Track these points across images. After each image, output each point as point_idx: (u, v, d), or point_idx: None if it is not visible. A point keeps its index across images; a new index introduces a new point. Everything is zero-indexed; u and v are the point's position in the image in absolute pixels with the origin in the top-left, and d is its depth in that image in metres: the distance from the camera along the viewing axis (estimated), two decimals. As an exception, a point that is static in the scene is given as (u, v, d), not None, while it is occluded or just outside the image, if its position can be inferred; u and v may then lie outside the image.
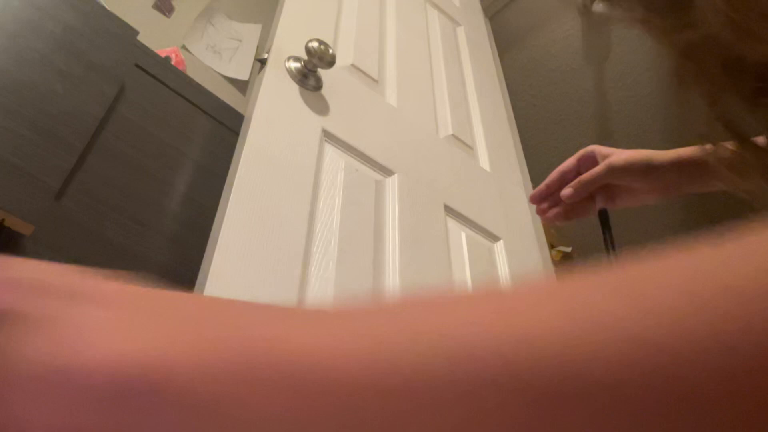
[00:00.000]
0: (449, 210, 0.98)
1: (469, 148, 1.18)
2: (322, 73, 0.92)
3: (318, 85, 0.90)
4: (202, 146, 0.96)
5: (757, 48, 0.24)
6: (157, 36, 1.41)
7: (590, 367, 0.13)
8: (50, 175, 0.58)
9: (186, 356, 0.17)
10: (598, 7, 1.98)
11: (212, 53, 1.53)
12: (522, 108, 2.41)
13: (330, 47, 0.84)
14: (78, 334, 0.18)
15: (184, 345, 0.17)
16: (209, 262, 0.60)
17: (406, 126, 1.04)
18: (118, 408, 0.16)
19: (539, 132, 2.46)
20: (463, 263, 0.93)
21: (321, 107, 0.88)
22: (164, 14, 1.49)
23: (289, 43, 0.92)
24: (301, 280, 0.67)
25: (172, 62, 1.30)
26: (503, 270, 1.00)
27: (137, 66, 0.91)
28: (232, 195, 0.66)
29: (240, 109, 1.07)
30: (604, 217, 0.64)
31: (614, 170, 0.63)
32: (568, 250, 2.50)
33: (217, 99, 1.03)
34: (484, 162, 1.19)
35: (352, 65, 1.02)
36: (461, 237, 0.97)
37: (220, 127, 1.01)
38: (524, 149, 1.48)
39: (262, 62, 0.87)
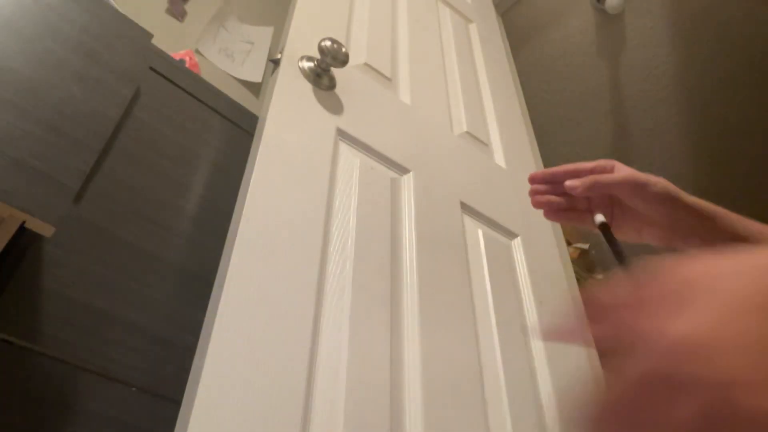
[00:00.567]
0: (465, 207, 0.97)
1: (484, 144, 1.17)
2: (336, 72, 0.92)
3: (331, 85, 0.90)
4: (218, 147, 0.96)
5: None
6: (171, 40, 1.42)
7: None
8: (69, 177, 0.58)
9: None
10: (612, 1, 1.96)
11: (225, 56, 1.54)
12: (536, 104, 2.39)
13: (343, 46, 0.84)
14: None
15: None
16: (227, 263, 0.60)
17: (421, 124, 1.03)
18: None
19: (554, 128, 2.43)
20: (481, 261, 0.92)
21: (335, 106, 0.88)
22: (177, 19, 1.50)
23: (302, 43, 0.91)
24: (319, 278, 0.66)
25: (186, 65, 1.31)
26: (521, 267, 0.99)
27: (152, 69, 0.92)
28: (248, 195, 0.66)
29: (254, 112, 1.07)
30: (606, 230, 0.58)
31: (636, 183, 0.57)
32: (586, 246, 2.47)
33: (231, 100, 1.03)
34: (500, 159, 1.18)
35: (365, 64, 1.02)
36: (478, 234, 0.96)
37: (234, 129, 1.01)
38: (539, 145, 1.47)
39: (276, 62, 0.87)
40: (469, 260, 0.90)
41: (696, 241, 0.56)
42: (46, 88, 0.63)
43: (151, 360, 0.71)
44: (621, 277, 0.23)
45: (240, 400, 0.52)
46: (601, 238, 0.58)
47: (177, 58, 1.32)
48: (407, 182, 0.90)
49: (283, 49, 0.88)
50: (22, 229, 0.56)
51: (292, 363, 0.57)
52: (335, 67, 0.86)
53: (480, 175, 1.07)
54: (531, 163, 1.29)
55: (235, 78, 1.52)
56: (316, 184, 0.75)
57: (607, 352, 0.21)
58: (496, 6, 1.91)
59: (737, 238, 0.51)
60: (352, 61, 1.01)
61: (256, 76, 1.57)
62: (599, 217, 0.60)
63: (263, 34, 1.70)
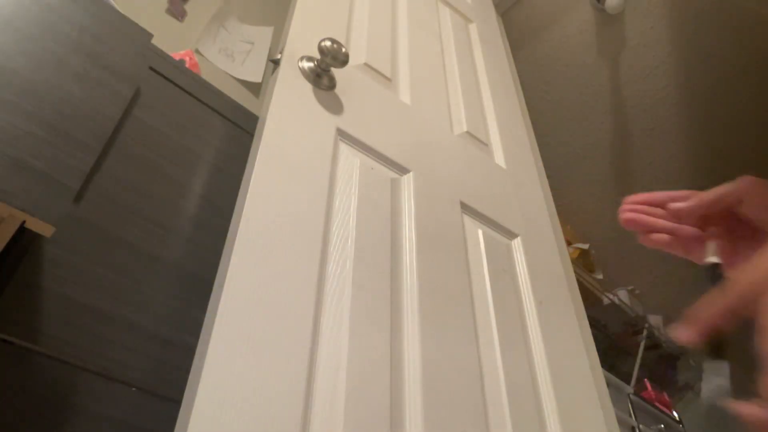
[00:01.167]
0: (465, 207, 0.97)
1: (484, 144, 1.17)
2: (336, 72, 0.92)
3: (331, 85, 0.90)
4: (218, 147, 0.96)
5: None
6: (171, 40, 1.42)
7: None
8: (69, 176, 0.58)
9: None
10: (612, 1, 1.96)
11: (225, 56, 1.54)
12: (536, 104, 2.39)
13: (343, 46, 0.84)
14: None
15: None
16: (227, 263, 0.60)
17: (421, 124, 1.03)
18: None
19: (554, 128, 2.44)
20: (481, 261, 0.92)
21: (335, 106, 0.88)
22: (177, 19, 1.50)
23: (302, 43, 0.92)
24: (319, 277, 0.66)
25: (186, 65, 1.31)
26: (521, 267, 0.99)
27: (152, 69, 0.92)
28: (248, 195, 0.66)
29: (254, 112, 1.07)
30: (714, 273, 0.47)
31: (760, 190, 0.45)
32: (586, 246, 2.47)
33: (231, 100, 1.03)
34: (500, 159, 1.18)
35: (365, 64, 1.02)
36: (478, 234, 0.96)
37: (234, 129, 1.01)
38: (539, 145, 1.47)
39: (276, 62, 0.87)
40: (469, 260, 0.90)
41: None
42: (46, 88, 0.63)
43: (151, 360, 0.71)
44: None
45: (240, 400, 0.52)
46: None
47: (177, 58, 1.32)
48: (407, 182, 0.90)
49: (283, 49, 0.88)
50: (22, 229, 0.56)
51: (292, 363, 0.57)
52: (335, 67, 0.86)
53: (480, 175, 1.07)
54: (531, 163, 1.29)
55: (235, 78, 1.52)
56: (316, 184, 0.75)
57: None
58: (496, 6, 1.91)
59: None
60: (352, 61, 1.01)
61: (256, 76, 1.57)
62: (712, 256, 0.48)
63: (263, 34, 1.70)
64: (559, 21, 2.20)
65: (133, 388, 0.68)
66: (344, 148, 0.85)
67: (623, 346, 2.49)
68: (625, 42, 2.10)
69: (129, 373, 0.68)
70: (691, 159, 2.25)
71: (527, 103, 1.59)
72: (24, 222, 0.54)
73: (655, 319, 2.68)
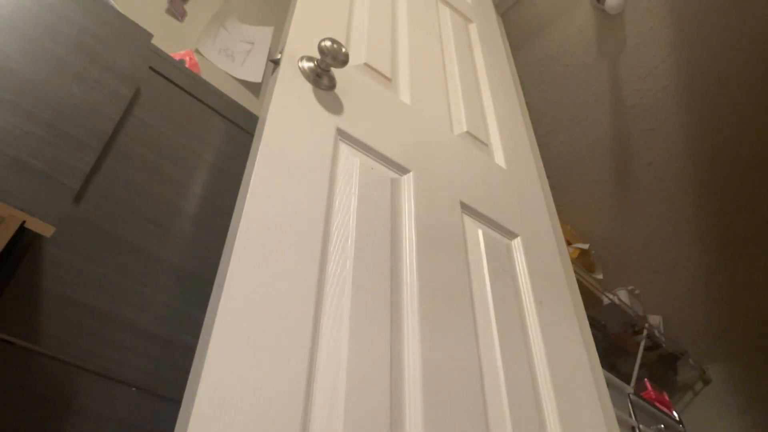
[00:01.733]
0: (465, 207, 0.97)
1: (484, 145, 1.17)
2: (336, 72, 0.92)
3: (331, 85, 0.90)
4: (218, 148, 0.96)
5: None
6: (171, 40, 1.42)
7: None
8: (69, 176, 0.58)
9: None
10: (612, 1, 1.96)
11: (225, 56, 1.54)
12: (536, 104, 2.39)
13: (343, 46, 0.84)
14: None
15: None
16: (227, 263, 0.60)
17: (421, 124, 1.03)
18: None
19: (554, 128, 2.44)
20: (481, 261, 0.92)
21: (335, 106, 0.88)
22: (177, 19, 1.50)
23: (302, 43, 0.92)
24: (319, 278, 0.66)
25: (186, 65, 1.31)
26: (521, 267, 0.99)
27: (152, 69, 0.92)
28: (248, 195, 0.66)
29: (254, 112, 1.07)
30: None
31: None
32: (586, 246, 2.47)
33: (231, 100, 1.03)
34: (500, 159, 1.18)
35: (365, 64, 1.02)
36: (478, 234, 0.96)
37: (234, 129, 1.01)
38: (539, 145, 1.47)
39: (276, 63, 0.87)
40: (469, 260, 0.90)
41: None
42: (46, 88, 0.63)
43: (151, 360, 0.71)
44: None
45: (240, 400, 0.52)
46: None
47: (177, 58, 1.32)
48: (407, 182, 0.90)
49: (283, 49, 0.88)
50: (22, 229, 0.56)
51: (292, 363, 0.57)
52: (335, 67, 0.86)
53: (480, 175, 1.07)
54: (531, 163, 1.29)
55: (235, 78, 1.52)
56: (316, 184, 0.75)
57: None
58: (496, 6, 1.91)
59: None
60: (352, 61, 1.01)
61: (256, 76, 1.57)
62: None
63: (263, 34, 1.70)
64: (559, 21, 2.20)
65: (133, 388, 0.68)
66: (344, 148, 0.85)
67: (623, 346, 2.50)
68: (625, 42, 2.10)
69: (129, 373, 0.68)
70: (691, 159, 2.25)
71: (527, 103, 1.59)
72: (24, 222, 0.54)
73: (655, 319, 2.68)
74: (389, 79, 1.06)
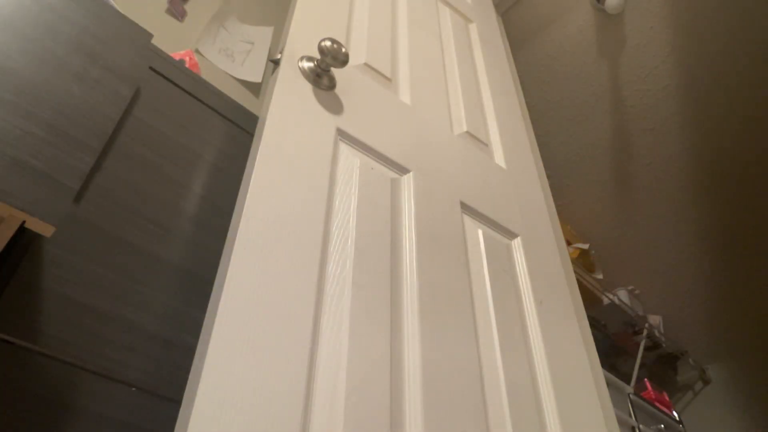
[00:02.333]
0: (465, 207, 0.97)
1: (484, 144, 1.17)
2: (336, 72, 0.92)
3: (331, 85, 0.90)
4: (218, 148, 0.96)
5: None
6: (171, 40, 1.42)
7: None
8: (69, 176, 0.58)
9: None
10: (612, 1, 1.96)
11: (225, 56, 1.54)
12: (536, 104, 2.39)
13: (343, 46, 0.84)
14: None
15: None
16: (227, 263, 0.60)
17: (421, 124, 1.03)
18: None
19: (554, 128, 2.44)
20: (481, 261, 0.92)
21: (335, 106, 0.88)
22: (177, 19, 1.50)
23: (302, 43, 0.92)
24: (319, 278, 0.66)
25: (186, 65, 1.31)
26: (521, 267, 0.99)
27: (152, 69, 0.92)
28: (248, 195, 0.66)
29: (254, 112, 1.07)
30: None
31: None
32: (586, 246, 2.47)
33: (231, 100, 1.03)
34: (500, 159, 1.18)
35: (365, 64, 1.02)
36: (478, 234, 0.96)
37: (234, 129, 1.01)
38: (539, 145, 1.47)
39: (276, 62, 0.87)
40: (469, 260, 0.90)
41: None
42: (46, 88, 0.63)
43: (151, 360, 0.71)
44: None
45: (240, 400, 0.52)
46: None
47: (177, 58, 1.32)
48: (407, 182, 0.90)
49: (283, 49, 0.88)
50: (22, 229, 0.56)
51: (292, 363, 0.57)
52: (335, 67, 0.86)
53: (480, 175, 1.07)
54: (531, 163, 1.29)
55: (235, 78, 1.52)
56: (316, 184, 0.75)
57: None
58: (496, 6, 1.91)
59: None
60: (352, 61, 1.01)
61: (256, 76, 1.57)
62: None
63: (263, 34, 1.70)
64: (559, 21, 2.20)
65: (133, 388, 0.68)
66: (344, 148, 0.85)
67: (623, 346, 2.50)
68: (625, 42, 2.10)
69: (129, 373, 0.68)
70: (691, 159, 2.25)
71: (527, 103, 1.59)
72: (24, 222, 0.54)
73: (655, 319, 2.68)
74: (389, 79, 1.06)
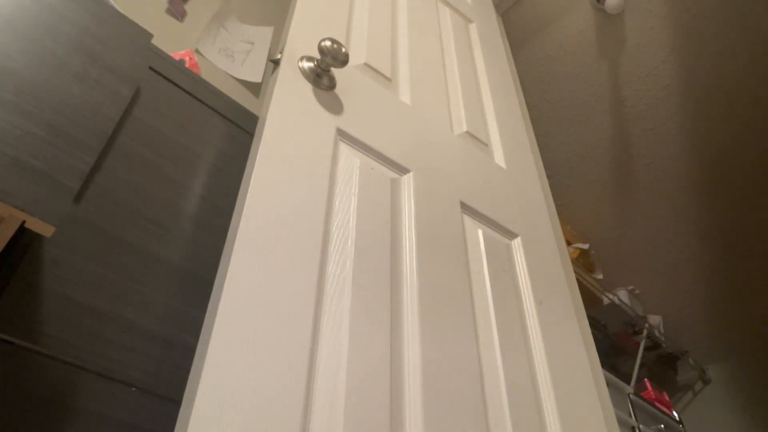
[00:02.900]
0: (465, 207, 0.97)
1: (484, 145, 1.17)
2: (336, 72, 0.92)
3: (331, 85, 0.90)
4: (218, 148, 0.96)
5: None
6: (171, 40, 1.42)
7: None
8: (69, 176, 0.58)
9: None
10: (612, 1, 1.96)
11: (225, 56, 1.54)
12: (536, 104, 2.39)
13: (343, 46, 0.84)
14: None
15: None
16: (227, 263, 0.60)
17: (421, 124, 1.03)
18: None
19: (554, 128, 2.44)
20: (481, 261, 0.92)
21: (335, 106, 0.88)
22: (177, 19, 1.50)
23: (302, 43, 0.92)
24: (319, 278, 0.66)
25: (186, 65, 1.31)
26: (521, 267, 0.99)
27: (152, 69, 0.92)
28: (248, 195, 0.66)
29: (254, 112, 1.07)
30: None
31: None
32: (586, 246, 2.47)
33: (231, 101, 1.03)
34: (500, 159, 1.18)
35: (365, 64, 1.02)
36: (478, 234, 0.96)
37: (234, 129, 1.01)
38: (539, 145, 1.47)
39: (276, 62, 0.87)
40: (469, 260, 0.90)
41: None
42: (46, 88, 0.63)
43: (151, 360, 0.71)
44: None
45: (240, 400, 0.52)
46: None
47: (177, 58, 1.32)
48: (407, 182, 0.90)
49: (283, 49, 0.88)
50: (22, 229, 0.56)
51: (292, 363, 0.57)
52: (335, 67, 0.86)
53: (480, 175, 1.07)
54: (531, 163, 1.29)
55: (235, 78, 1.52)
56: (316, 184, 0.75)
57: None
58: (496, 6, 1.91)
59: None
60: (352, 61, 1.01)
61: (256, 76, 1.57)
62: None
63: (263, 34, 1.70)
64: (559, 21, 2.20)
65: (133, 388, 0.68)
66: (344, 148, 0.85)
67: (623, 346, 2.50)
68: (625, 42, 2.10)
69: (129, 373, 0.68)
70: (691, 159, 2.25)
71: (527, 103, 1.59)
72: (24, 222, 0.54)
73: (655, 319, 2.68)
74: (389, 79, 1.06)
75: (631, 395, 2.13)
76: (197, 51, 1.47)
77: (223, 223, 0.89)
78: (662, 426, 2.20)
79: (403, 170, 0.91)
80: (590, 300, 2.45)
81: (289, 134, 0.77)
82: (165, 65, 0.95)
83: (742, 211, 2.26)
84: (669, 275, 2.59)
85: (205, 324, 0.57)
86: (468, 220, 0.97)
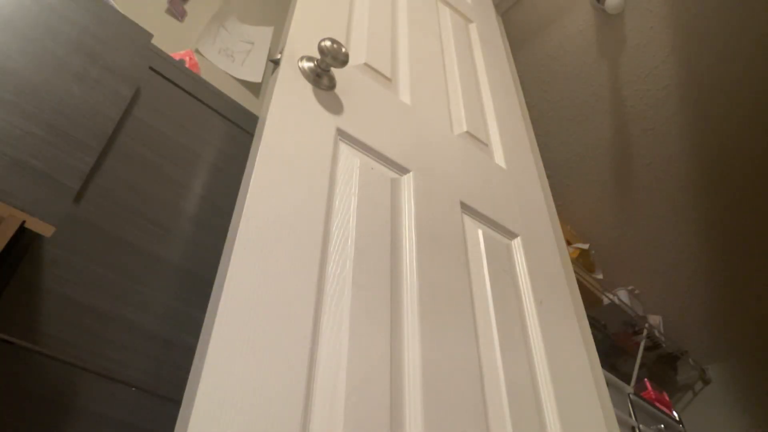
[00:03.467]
0: (465, 207, 0.97)
1: (484, 144, 1.17)
2: (336, 72, 0.92)
3: (331, 85, 0.90)
4: (218, 148, 0.96)
5: None
6: (171, 40, 1.42)
7: None
8: (69, 177, 0.58)
9: None
10: (612, 1, 1.96)
11: (225, 56, 1.54)
12: (536, 104, 2.39)
13: (343, 46, 0.84)
14: None
15: None
16: (227, 263, 0.60)
17: (421, 124, 1.03)
18: None
19: (554, 128, 2.44)
20: (481, 261, 0.92)
21: (335, 106, 0.88)
22: (177, 19, 1.50)
23: (302, 43, 0.92)
24: (319, 278, 0.66)
25: (186, 65, 1.31)
26: (521, 267, 0.99)
27: (152, 69, 0.92)
28: (248, 195, 0.66)
29: (254, 112, 1.07)
30: None
31: None
32: (586, 246, 2.47)
33: (231, 101, 1.03)
34: (500, 159, 1.18)
35: (365, 64, 1.02)
36: (478, 234, 0.96)
37: (234, 129, 1.01)
38: (539, 145, 1.47)
39: (276, 63, 0.87)
40: (469, 260, 0.90)
41: None
42: (46, 88, 0.63)
43: (151, 360, 0.71)
44: None
45: (240, 400, 0.52)
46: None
47: (177, 58, 1.32)
48: (407, 182, 0.90)
49: (283, 49, 0.88)
50: (22, 229, 0.56)
51: (292, 363, 0.57)
52: (335, 67, 0.86)
53: (480, 175, 1.07)
54: (531, 163, 1.29)
55: (235, 78, 1.52)
56: (316, 184, 0.75)
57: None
58: (496, 6, 1.91)
59: None
60: (352, 61, 1.01)
61: (256, 76, 1.57)
62: None
63: (263, 34, 1.70)
64: (559, 21, 2.20)
65: (133, 388, 0.68)
66: (344, 148, 0.85)
67: (623, 346, 2.50)
68: (625, 42, 2.10)
69: (129, 373, 0.68)
70: (691, 159, 2.25)
71: (527, 103, 1.59)
72: (24, 222, 0.54)
73: (655, 319, 2.68)
74: (389, 79, 1.06)
75: (631, 395, 2.13)
76: (197, 51, 1.47)
77: (223, 223, 0.89)
78: (662, 426, 2.20)
79: (403, 170, 0.91)
80: (590, 300, 2.45)
81: (289, 134, 0.77)
82: (165, 65, 0.95)
83: (742, 211, 2.26)
84: (669, 275, 2.59)
85: (205, 324, 0.57)
86: (468, 220, 0.97)
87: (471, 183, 1.03)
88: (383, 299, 0.72)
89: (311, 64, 0.88)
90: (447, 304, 0.79)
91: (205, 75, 1.44)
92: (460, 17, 1.50)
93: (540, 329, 0.92)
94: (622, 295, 2.62)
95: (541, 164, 1.39)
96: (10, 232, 0.56)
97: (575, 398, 0.87)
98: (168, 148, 0.88)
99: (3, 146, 0.56)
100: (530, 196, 1.18)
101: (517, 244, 1.03)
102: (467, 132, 1.13)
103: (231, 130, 1.00)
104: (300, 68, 0.87)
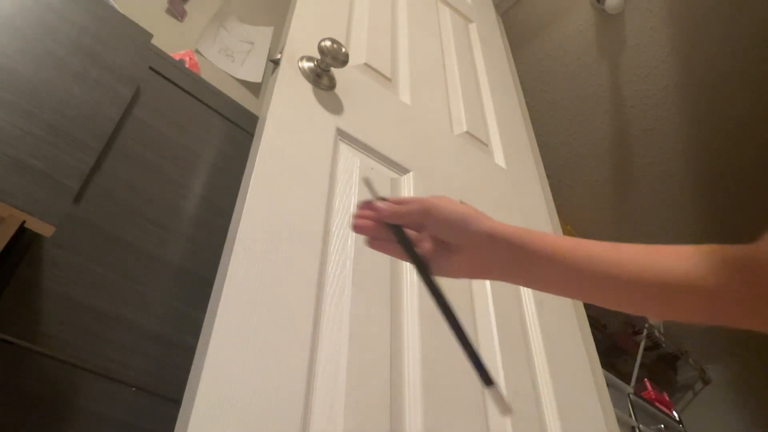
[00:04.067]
0: (465, 207, 0.97)
1: (484, 145, 1.17)
2: (336, 72, 0.92)
3: (331, 85, 0.90)
4: (218, 148, 0.96)
5: None
6: (171, 40, 1.42)
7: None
8: (69, 177, 0.58)
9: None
10: (612, 1, 1.96)
11: (225, 56, 1.54)
12: (536, 104, 2.39)
13: (343, 46, 0.84)
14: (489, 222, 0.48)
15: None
16: (227, 263, 0.60)
17: (421, 124, 1.03)
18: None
19: (554, 128, 2.43)
20: (481, 261, 0.92)
21: (335, 106, 0.88)
22: (177, 19, 1.50)
23: (302, 43, 0.91)
24: (319, 277, 0.66)
25: (186, 65, 1.31)
26: (521, 267, 0.99)
27: (152, 69, 0.92)
28: (248, 195, 0.66)
29: (254, 112, 1.07)
30: (397, 231, 0.51)
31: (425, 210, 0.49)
32: (585, 247, 2.47)
33: (231, 100, 1.03)
34: (499, 159, 1.18)
35: (365, 64, 1.02)
36: (478, 234, 0.96)
37: (234, 129, 1.01)
38: (539, 145, 1.47)
39: (276, 62, 0.87)
40: (469, 260, 0.90)
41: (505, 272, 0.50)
42: (46, 88, 0.63)
43: (151, 360, 0.71)
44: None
45: (240, 399, 0.52)
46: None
47: (177, 58, 1.32)
48: (407, 182, 0.90)
49: (283, 49, 0.88)
50: (22, 229, 0.56)
51: (292, 363, 0.57)
52: (335, 67, 0.86)
53: (479, 174, 1.07)
54: (531, 163, 1.29)
55: (235, 78, 1.52)
56: (316, 184, 0.75)
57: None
58: (496, 6, 1.91)
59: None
60: (352, 61, 1.01)
61: (256, 76, 1.57)
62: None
63: (263, 34, 1.70)
64: (559, 21, 2.20)
65: (133, 388, 0.68)
66: (344, 148, 0.85)
67: (623, 346, 2.49)
68: (625, 42, 2.10)
69: (129, 373, 0.68)
70: (691, 159, 2.25)
71: (527, 103, 1.58)
72: (24, 222, 0.54)
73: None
74: (389, 79, 1.06)
75: (631, 395, 2.13)
76: (197, 51, 1.47)
77: (223, 223, 0.89)
78: (662, 426, 2.20)
79: (403, 170, 0.91)
80: (590, 300, 2.44)
81: (289, 134, 0.77)
82: (165, 65, 0.95)
83: (742, 211, 2.26)
84: (669, 275, 2.58)
85: (205, 324, 0.57)
86: (468, 220, 0.96)
87: (471, 183, 1.03)
88: (383, 299, 0.72)
89: (311, 64, 0.88)
90: (447, 304, 0.79)
91: (205, 75, 1.44)
92: (460, 17, 1.50)
93: (540, 329, 0.91)
94: (622, 295, 2.61)
95: (541, 164, 1.39)
96: (10, 232, 0.56)
97: (575, 398, 0.87)
98: (168, 148, 0.88)
99: (3, 146, 0.56)
100: (530, 196, 1.18)
101: (517, 244, 1.03)
102: (467, 132, 1.13)
103: (231, 130, 1.00)
104: (300, 68, 0.87)
